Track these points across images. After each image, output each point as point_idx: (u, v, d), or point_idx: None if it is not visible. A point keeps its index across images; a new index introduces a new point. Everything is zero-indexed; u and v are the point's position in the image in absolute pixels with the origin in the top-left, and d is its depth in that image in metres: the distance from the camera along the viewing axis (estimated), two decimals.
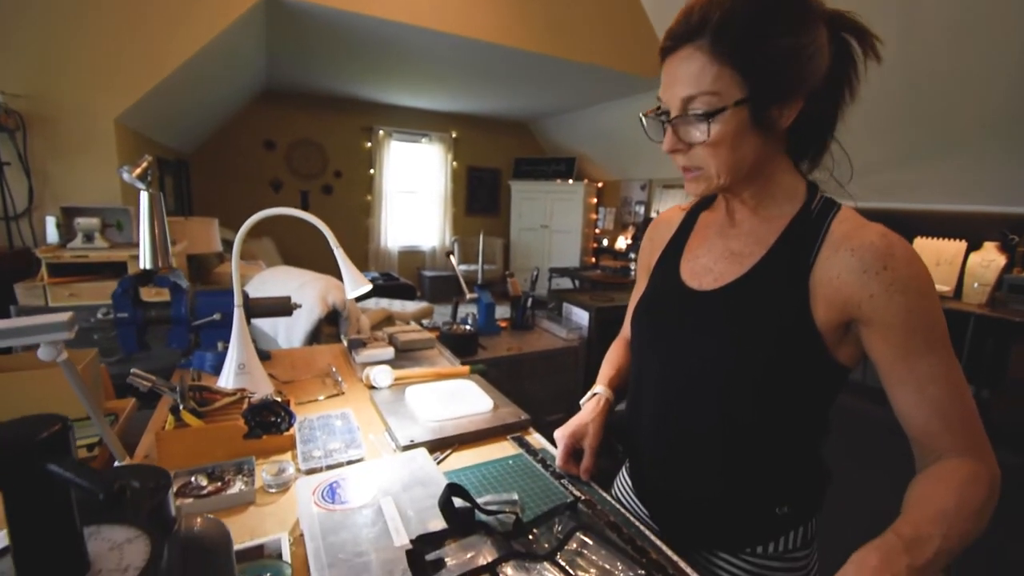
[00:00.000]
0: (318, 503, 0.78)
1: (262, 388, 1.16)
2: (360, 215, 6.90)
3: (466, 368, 1.42)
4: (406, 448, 0.98)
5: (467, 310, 2.81)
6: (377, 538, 0.71)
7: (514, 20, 3.99)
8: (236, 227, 1.25)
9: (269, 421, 0.97)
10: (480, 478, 0.91)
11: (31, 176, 2.79)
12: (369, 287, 1.23)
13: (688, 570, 0.70)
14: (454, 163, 7.36)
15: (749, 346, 0.70)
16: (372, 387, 1.28)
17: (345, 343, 1.62)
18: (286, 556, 0.68)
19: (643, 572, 0.68)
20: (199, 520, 0.43)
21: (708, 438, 0.76)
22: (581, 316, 3.13)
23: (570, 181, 7.21)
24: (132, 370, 0.92)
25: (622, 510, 0.83)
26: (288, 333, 2.21)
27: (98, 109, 2.88)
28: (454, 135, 7.27)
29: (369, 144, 6.76)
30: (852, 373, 0.71)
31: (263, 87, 5.74)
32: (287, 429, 0.98)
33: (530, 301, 2.96)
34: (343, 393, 1.27)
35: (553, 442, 0.97)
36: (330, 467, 0.91)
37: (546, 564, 0.68)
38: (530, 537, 0.73)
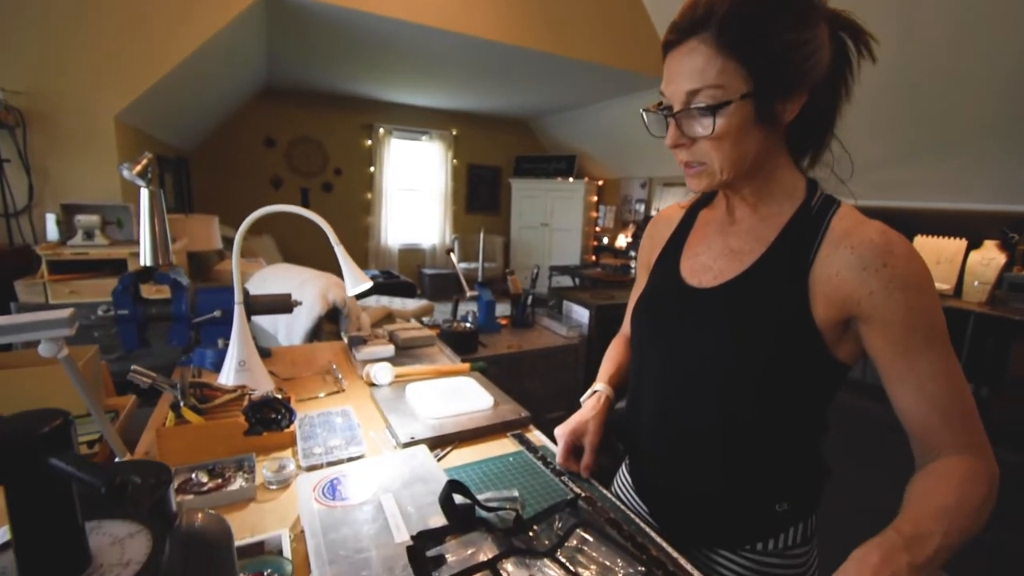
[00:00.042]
0: (319, 500, 0.78)
1: (263, 385, 1.17)
2: (360, 213, 6.90)
3: (466, 365, 1.43)
4: (407, 445, 0.98)
5: (467, 308, 2.81)
6: (378, 534, 0.71)
7: (514, 17, 3.99)
8: (236, 225, 1.25)
9: (270, 418, 0.97)
10: (480, 475, 0.91)
11: (31, 173, 2.79)
12: (370, 284, 1.23)
13: (688, 567, 0.70)
14: (454, 161, 7.36)
15: (749, 343, 0.70)
16: (373, 384, 1.28)
17: (346, 340, 1.62)
18: (287, 552, 0.68)
19: (643, 569, 0.68)
20: (200, 515, 0.43)
21: (708, 435, 0.76)
22: (581, 314, 3.13)
23: (570, 179, 7.20)
24: (133, 367, 0.92)
25: (622, 507, 0.83)
26: (288, 331, 2.21)
27: (98, 106, 2.87)
28: (454, 133, 7.26)
29: (369, 142, 6.75)
30: (852, 371, 0.71)
31: (263, 84, 5.73)
32: (288, 426, 0.98)
33: (530, 299, 2.95)
34: (343, 390, 1.27)
35: (553, 439, 0.97)
36: (331, 464, 0.91)
37: (546, 561, 0.68)
38: (530, 534, 0.74)
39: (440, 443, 1.01)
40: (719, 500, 0.78)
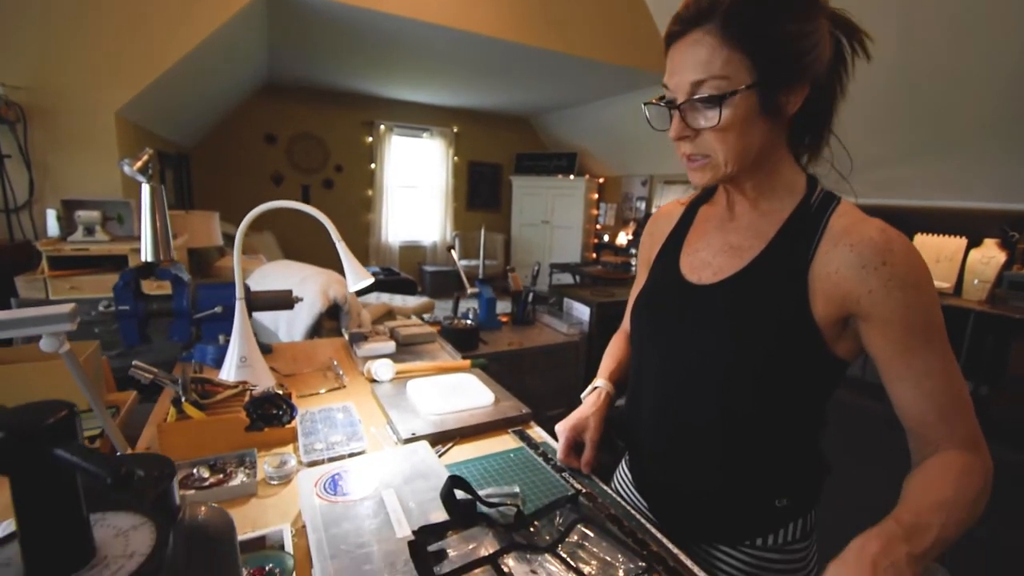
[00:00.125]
0: (320, 495, 0.78)
1: (264, 381, 1.17)
2: (361, 210, 6.89)
3: (467, 362, 1.43)
4: (407, 441, 0.98)
5: (468, 305, 2.81)
6: (379, 529, 0.71)
7: (515, 14, 3.98)
8: (236, 221, 1.25)
9: (271, 414, 0.97)
10: (481, 471, 0.92)
11: (32, 169, 2.79)
12: (371, 280, 1.23)
13: (688, 563, 0.70)
14: (455, 158, 7.35)
15: (748, 340, 0.70)
16: (373, 380, 1.28)
17: (346, 337, 1.62)
18: (288, 547, 0.69)
19: (643, 564, 0.68)
20: (203, 509, 0.43)
21: (708, 432, 0.76)
22: (582, 311, 3.13)
23: (571, 176, 7.19)
24: (134, 362, 0.92)
25: (622, 503, 0.83)
26: (289, 327, 2.22)
27: (99, 102, 2.87)
28: (455, 130, 7.25)
29: (370, 138, 6.75)
30: (851, 368, 0.72)
31: (264, 81, 5.72)
32: (289, 422, 0.98)
33: (531, 296, 2.96)
34: (344, 386, 1.27)
35: (554, 436, 0.97)
36: (332, 459, 0.91)
37: (548, 556, 0.68)
38: (531, 529, 0.74)
39: (441, 439, 1.02)
40: (719, 496, 0.78)
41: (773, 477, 0.76)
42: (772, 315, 0.69)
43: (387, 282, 5.36)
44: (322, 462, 0.90)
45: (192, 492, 0.80)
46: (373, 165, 6.81)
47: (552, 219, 7.40)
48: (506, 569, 0.65)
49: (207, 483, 0.82)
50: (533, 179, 7.46)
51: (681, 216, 0.89)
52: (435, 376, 1.30)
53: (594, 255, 7.28)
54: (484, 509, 0.76)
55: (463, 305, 2.76)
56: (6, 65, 2.66)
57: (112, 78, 2.86)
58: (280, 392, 0.99)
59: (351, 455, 0.93)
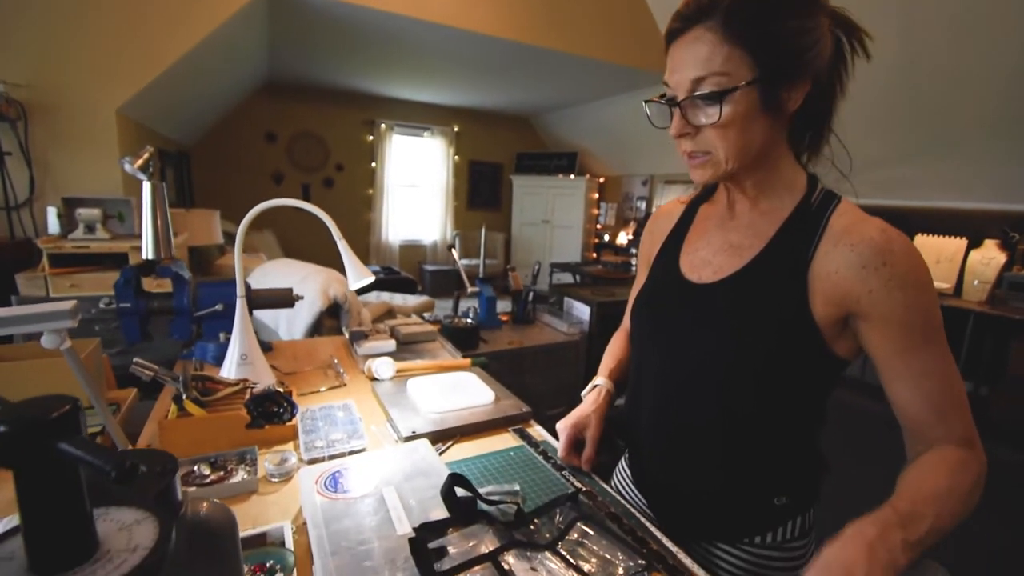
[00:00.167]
0: (321, 492, 0.78)
1: (264, 379, 1.17)
2: (361, 208, 6.89)
3: (467, 360, 1.43)
4: (408, 439, 0.98)
5: (468, 304, 2.81)
6: (380, 526, 0.71)
7: (516, 14, 3.98)
8: (237, 219, 1.26)
9: (271, 411, 0.97)
10: (482, 469, 0.92)
11: (32, 166, 2.79)
12: (372, 278, 1.23)
13: (687, 561, 0.70)
14: (456, 157, 7.35)
15: (748, 339, 0.70)
16: (374, 379, 1.28)
17: (347, 335, 1.62)
18: (289, 544, 0.69)
19: (643, 562, 0.68)
20: (205, 504, 0.43)
21: (708, 431, 0.76)
22: (582, 310, 3.14)
23: (572, 176, 7.19)
24: (135, 359, 0.92)
25: (622, 501, 0.83)
26: (289, 325, 2.22)
27: (100, 99, 2.87)
28: (456, 129, 7.25)
29: (371, 137, 6.75)
30: (851, 368, 0.72)
31: (265, 79, 5.72)
32: (289, 419, 0.98)
33: (531, 295, 2.96)
34: (345, 385, 1.27)
35: (554, 435, 0.97)
36: (332, 457, 0.91)
37: (547, 553, 0.68)
38: (532, 527, 0.74)
39: (441, 437, 1.02)
40: (718, 494, 0.78)
41: (772, 475, 0.76)
42: (772, 314, 0.69)
43: (387, 281, 5.36)
44: (323, 460, 0.91)
45: (193, 489, 0.80)
46: (374, 164, 6.81)
47: (552, 218, 7.40)
48: (506, 566, 0.65)
49: (208, 480, 0.83)
50: (533, 178, 7.46)
51: (681, 215, 0.89)
52: (435, 374, 1.30)
53: (594, 255, 7.29)
54: (484, 507, 0.76)
55: (463, 304, 2.76)
56: (7, 63, 2.65)
57: (113, 76, 2.86)
58: (281, 390, 1.00)
59: (351, 453, 0.93)
